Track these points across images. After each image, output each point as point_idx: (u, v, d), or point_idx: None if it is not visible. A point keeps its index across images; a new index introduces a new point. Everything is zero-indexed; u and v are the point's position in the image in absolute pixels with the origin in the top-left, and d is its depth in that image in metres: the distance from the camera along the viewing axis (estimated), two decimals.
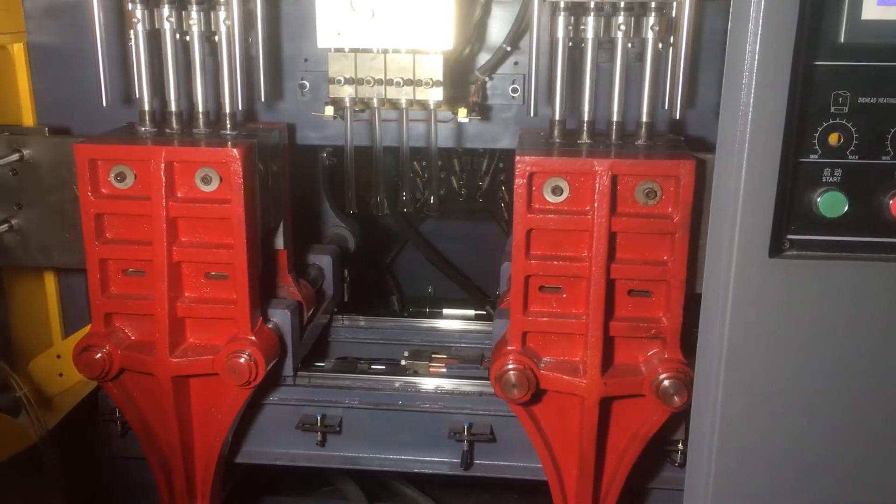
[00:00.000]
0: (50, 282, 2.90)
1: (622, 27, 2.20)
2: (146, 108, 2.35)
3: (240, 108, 2.32)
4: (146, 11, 2.27)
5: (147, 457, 2.44)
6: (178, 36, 2.29)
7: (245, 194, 2.18)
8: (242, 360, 2.25)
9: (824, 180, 1.42)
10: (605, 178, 2.10)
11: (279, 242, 2.55)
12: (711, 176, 1.66)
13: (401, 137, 2.33)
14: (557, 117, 2.29)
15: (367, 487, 3.01)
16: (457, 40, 2.26)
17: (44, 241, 2.51)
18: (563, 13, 2.20)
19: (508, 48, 2.42)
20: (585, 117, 2.28)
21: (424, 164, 3.51)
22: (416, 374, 2.70)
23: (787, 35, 1.28)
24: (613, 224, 2.13)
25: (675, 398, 2.11)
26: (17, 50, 2.64)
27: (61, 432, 2.56)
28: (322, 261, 2.85)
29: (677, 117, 2.22)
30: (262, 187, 2.34)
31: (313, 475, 2.99)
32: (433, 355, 2.83)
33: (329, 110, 2.33)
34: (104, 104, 2.30)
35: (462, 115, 2.36)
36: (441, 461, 2.58)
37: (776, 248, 1.40)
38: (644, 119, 2.27)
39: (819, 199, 1.42)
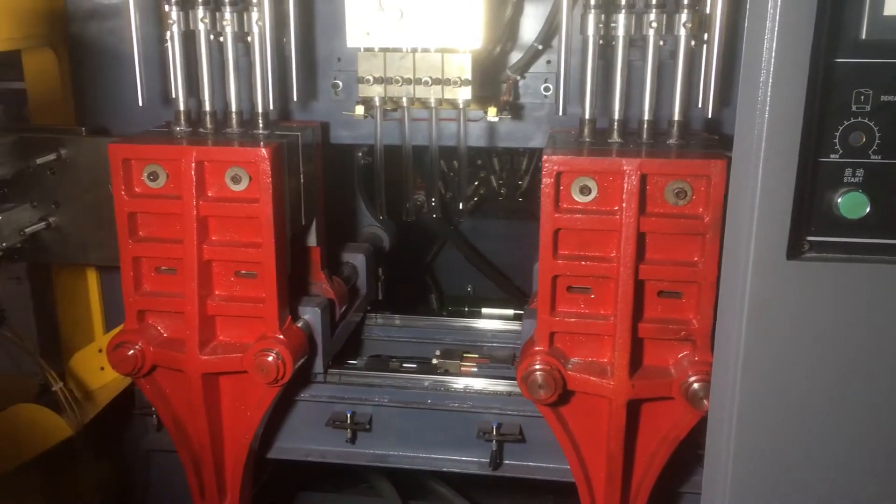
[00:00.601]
0: (92, 278, 2.98)
1: (653, 24, 2.17)
2: (181, 107, 2.38)
3: (271, 107, 2.34)
4: (181, 13, 2.31)
5: (178, 452, 2.49)
6: (212, 37, 2.32)
7: (274, 194, 2.20)
8: (270, 358, 2.27)
9: (845, 181, 1.38)
10: (633, 177, 2.08)
11: (312, 240, 2.57)
12: None
13: (430, 137, 2.33)
14: (587, 116, 2.27)
15: (403, 486, 3.02)
16: (486, 39, 2.26)
17: (81, 239, 2.58)
18: (593, 11, 2.18)
19: (540, 46, 2.40)
20: (616, 116, 2.25)
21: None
22: (446, 373, 2.70)
23: (805, 31, 1.25)
24: (642, 224, 2.10)
25: (705, 401, 2.07)
26: (61, 51, 2.70)
27: (99, 425, 2.61)
28: (356, 259, 2.87)
29: (709, 115, 2.19)
30: (294, 185, 2.37)
31: (348, 472, 3.01)
32: (465, 354, 2.83)
33: (359, 109, 2.35)
34: (140, 104, 2.34)
35: (492, 114, 2.35)
36: (470, 461, 2.58)
37: (795, 251, 1.36)
38: (675, 118, 2.24)
39: (840, 200, 1.38)
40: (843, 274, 1.35)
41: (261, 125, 2.36)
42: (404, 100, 2.25)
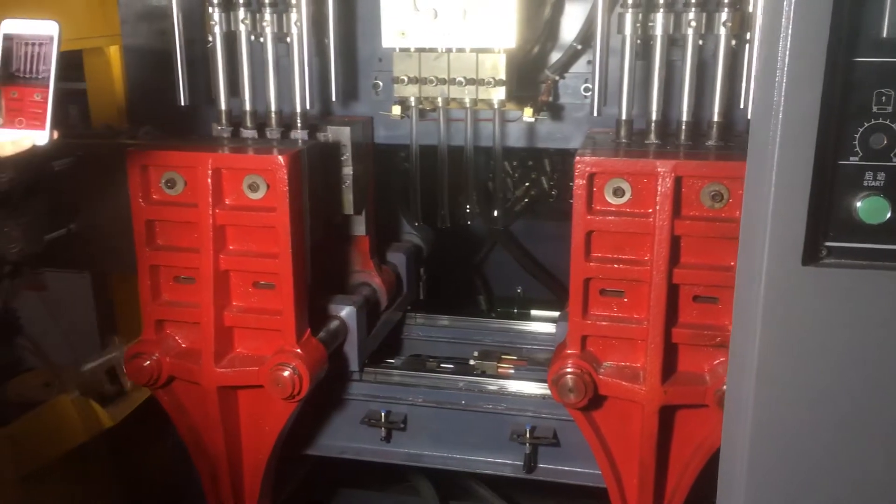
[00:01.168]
0: None
1: (692, 23, 2.14)
2: (223, 108, 2.43)
3: (308, 107, 2.37)
4: (223, 14, 2.35)
5: (195, 463, 2.47)
6: (252, 38, 2.36)
7: (292, 202, 2.14)
8: (286, 373, 2.21)
9: (865, 184, 1.32)
10: (667, 179, 2.04)
11: (360, 229, 2.57)
12: None
13: (465, 138, 2.32)
14: (624, 117, 2.23)
15: (443, 486, 3.02)
16: (523, 38, 2.24)
17: (102, 246, 2.51)
18: (630, 10, 2.15)
19: (579, 46, 2.37)
20: (653, 117, 2.22)
21: (515, 163, 3.50)
22: (483, 374, 2.69)
23: (821, 29, 1.20)
24: (676, 227, 2.06)
25: None
26: (113, 52, 2.79)
27: (140, 419, 2.68)
28: (397, 258, 2.88)
29: (750, 117, 2.13)
30: (326, 183, 2.34)
31: (389, 470, 3.02)
32: (503, 356, 2.80)
33: (396, 110, 2.36)
34: (182, 104, 2.39)
35: (528, 114, 2.33)
36: (504, 463, 2.57)
37: (811, 256, 1.31)
38: (715, 119, 2.19)
39: (859, 205, 1.32)
40: (862, 281, 1.30)
41: (299, 125, 2.39)
42: (440, 100, 2.25)
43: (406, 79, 2.23)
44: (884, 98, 1.27)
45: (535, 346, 2.96)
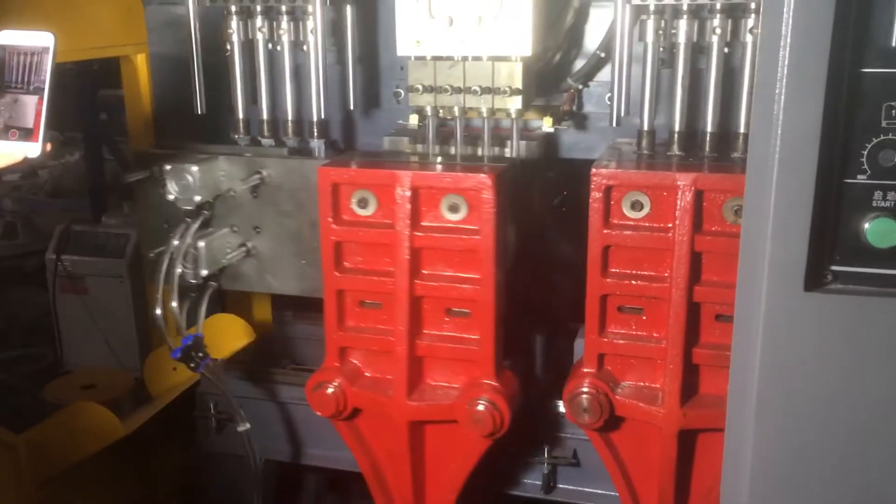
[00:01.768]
0: None
1: (717, 30, 2.05)
2: (240, 116, 2.42)
3: (323, 116, 2.34)
4: (240, 23, 2.33)
5: (375, 500, 2.36)
6: (269, 46, 2.35)
7: (497, 225, 2.00)
8: (483, 408, 2.07)
9: (874, 205, 1.22)
10: (687, 192, 1.95)
11: None
12: None
13: (484, 146, 2.26)
14: (646, 127, 2.15)
15: None
16: (542, 46, 2.18)
17: (279, 268, 2.39)
18: (653, 17, 2.07)
19: (603, 54, 2.29)
20: (677, 127, 2.13)
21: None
22: None
23: (823, 37, 1.11)
24: (697, 243, 1.97)
25: None
26: (141, 60, 2.80)
27: (160, 425, 2.68)
28: None
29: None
30: (523, 206, 2.22)
31: None
32: None
33: (413, 119, 2.31)
34: (199, 112, 2.38)
35: (547, 124, 2.26)
36: (522, 482, 2.49)
37: (814, 281, 1.21)
38: (742, 130, 2.10)
39: (868, 227, 1.22)
40: (869, 308, 1.20)
41: (315, 134, 2.36)
42: (456, 109, 2.19)
43: (421, 87, 2.17)
44: (894, 112, 1.17)
45: None
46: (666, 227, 2.00)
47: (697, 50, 2.14)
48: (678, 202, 1.96)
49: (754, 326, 1.25)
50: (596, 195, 2.01)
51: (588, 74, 2.35)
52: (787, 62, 1.14)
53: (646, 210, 2.02)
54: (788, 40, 1.13)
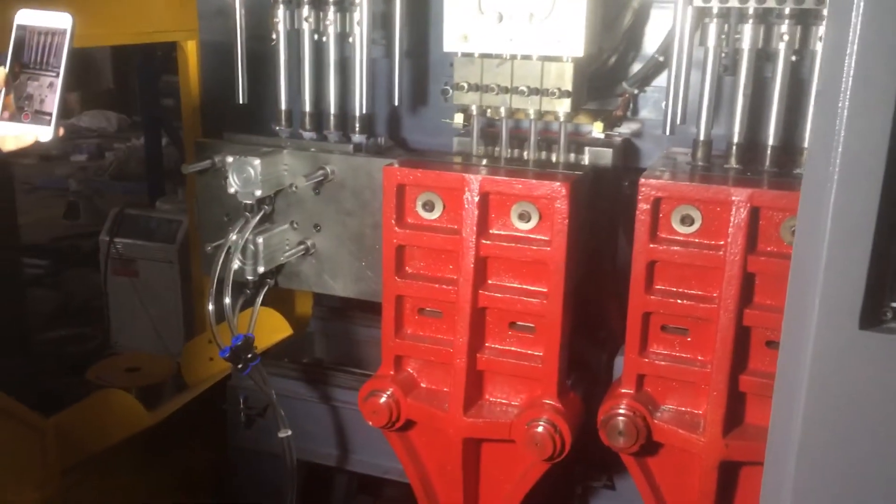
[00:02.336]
0: None
1: (785, 37, 1.91)
2: (283, 107, 2.36)
3: (365, 111, 2.27)
4: (287, 12, 2.28)
5: None
6: (315, 37, 2.29)
7: (569, 236, 1.90)
8: (543, 429, 1.97)
9: None
10: (742, 209, 1.83)
11: None
12: None
13: (530, 150, 2.16)
14: (702, 137, 2.03)
15: None
16: (595, 47, 2.07)
17: (337, 268, 2.32)
18: (716, 20, 1.94)
19: (661, 58, 2.17)
20: (735, 139, 2.00)
21: None
22: None
23: (893, 47, 0.99)
24: (750, 263, 1.85)
25: None
26: (191, 47, 2.77)
27: (187, 417, 2.64)
28: None
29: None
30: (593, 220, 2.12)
31: None
32: None
33: (458, 118, 2.23)
34: (241, 102, 2.34)
35: (598, 129, 2.16)
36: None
37: (871, 319, 1.08)
38: (806, 144, 1.95)
39: None
40: None
41: (357, 128, 2.29)
42: (502, 110, 2.10)
43: (466, 85, 2.08)
44: None
45: None
46: (717, 244, 1.88)
47: (763, 57, 2.01)
48: (732, 219, 1.84)
49: (801, 363, 1.13)
50: (643, 207, 1.90)
51: (645, 79, 2.23)
52: (852, 72, 1.02)
53: (696, 225, 1.90)
54: (855, 48, 1.01)
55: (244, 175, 2.18)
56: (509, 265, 2.00)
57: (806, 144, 1.96)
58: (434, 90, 2.46)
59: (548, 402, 2.01)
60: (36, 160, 9.69)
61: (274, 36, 2.32)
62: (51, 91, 1.46)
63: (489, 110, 2.12)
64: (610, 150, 2.14)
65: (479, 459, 2.15)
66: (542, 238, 1.94)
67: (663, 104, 2.21)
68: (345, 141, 2.32)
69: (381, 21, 2.32)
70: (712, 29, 1.95)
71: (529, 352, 2.03)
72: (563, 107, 2.02)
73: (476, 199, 1.95)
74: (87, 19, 1.80)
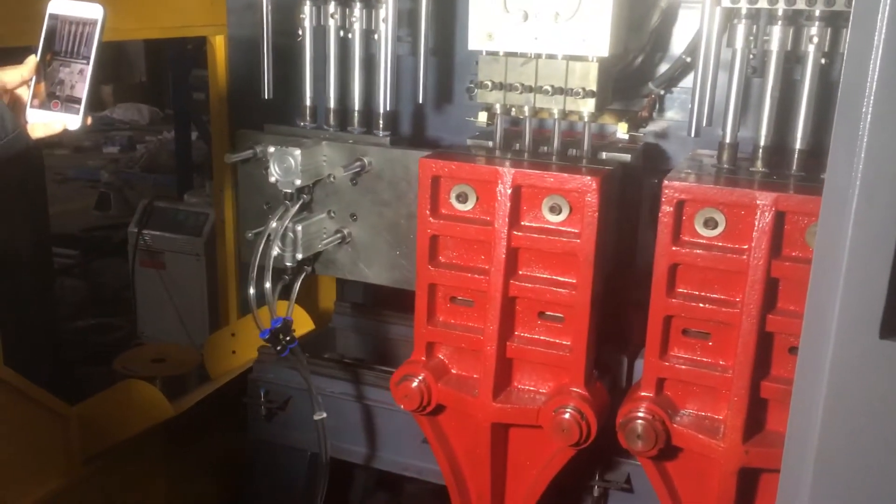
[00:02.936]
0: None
1: (814, 39, 1.88)
2: (307, 103, 2.37)
3: (388, 108, 2.27)
4: (313, 8, 2.29)
5: (452, 499, 2.31)
6: (341, 33, 2.29)
7: (599, 229, 1.94)
8: (570, 416, 2.00)
9: None
10: (767, 213, 1.80)
11: None
12: None
13: (554, 149, 2.14)
14: (728, 140, 2.00)
15: None
16: (621, 47, 2.05)
17: (372, 256, 2.36)
18: (744, 21, 1.92)
19: (689, 59, 2.15)
20: (762, 142, 1.98)
21: None
22: None
23: None
24: (774, 268, 1.82)
25: None
26: (219, 42, 2.79)
27: (208, 409, 2.67)
28: None
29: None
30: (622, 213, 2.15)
31: None
32: None
33: (482, 117, 2.22)
34: (266, 97, 2.35)
35: (622, 130, 2.14)
36: None
37: (891, 328, 1.06)
38: None
39: None
40: None
41: (381, 125, 2.29)
42: (526, 109, 2.09)
43: (490, 84, 2.08)
44: None
45: None
46: (741, 248, 1.86)
47: (792, 59, 1.98)
48: (756, 223, 1.82)
49: (820, 371, 1.11)
50: (666, 209, 1.88)
51: (671, 80, 2.22)
52: (876, 77, 1.00)
53: (720, 229, 1.88)
54: (880, 52, 0.99)
55: (285, 165, 2.23)
56: (539, 256, 2.04)
57: None
58: (459, 88, 2.46)
59: (575, 389, 2.04)
60: (69, 151, 9.84)
61: (300, 32, 2.33)
62: (81, 78, 1.48)
63: (513, 109, 2.11)
64: (628, 156, 2.11)
65: (507, 444, 2.19)
66: (573, 230, 1.97)
67: (689, 106, 2.22)
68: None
69: (407, 18, 2.32)
70: (740, 30, 1.93)
71: (558, 341, 2.06)
72: (587, 107, 2.01)
73: (509, 191, 1.98)
74: (118, 13, 1.82)
